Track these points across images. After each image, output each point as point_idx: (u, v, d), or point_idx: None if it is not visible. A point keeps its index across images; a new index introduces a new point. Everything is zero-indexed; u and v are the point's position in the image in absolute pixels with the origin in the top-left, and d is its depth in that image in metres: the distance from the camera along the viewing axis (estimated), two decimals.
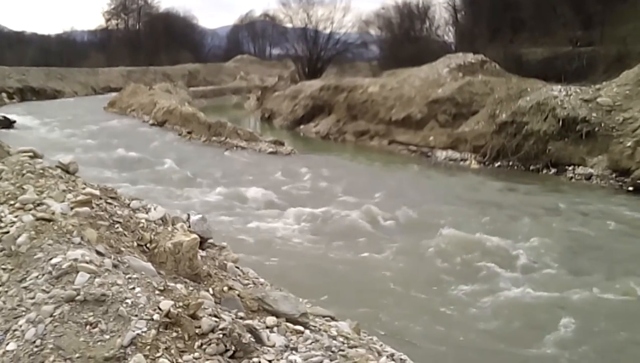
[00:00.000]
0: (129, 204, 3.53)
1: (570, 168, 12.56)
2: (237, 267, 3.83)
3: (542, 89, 14.75)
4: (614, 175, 11.72)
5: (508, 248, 7.32)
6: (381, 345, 3.46)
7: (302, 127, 21.69)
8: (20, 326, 2.08)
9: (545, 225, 8.72)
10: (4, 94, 31.78)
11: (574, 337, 5.14)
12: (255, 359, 2.26)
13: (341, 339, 3.08)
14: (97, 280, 2.29)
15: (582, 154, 12.54)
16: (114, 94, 32.05)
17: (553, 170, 12.86)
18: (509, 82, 16.39)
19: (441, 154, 15.49)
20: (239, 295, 3.13)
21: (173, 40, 53.26)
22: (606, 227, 8.69)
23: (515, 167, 13.57)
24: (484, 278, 6.50)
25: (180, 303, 2.33)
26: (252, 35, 64.20)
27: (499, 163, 13.98)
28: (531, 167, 13.28)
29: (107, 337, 2.07)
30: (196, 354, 2.14)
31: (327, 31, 33.75)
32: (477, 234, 7.76)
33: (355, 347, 3.02)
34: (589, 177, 12.08)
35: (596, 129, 12.49)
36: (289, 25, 36.71)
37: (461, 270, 6.72)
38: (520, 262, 6.91)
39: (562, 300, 5.91)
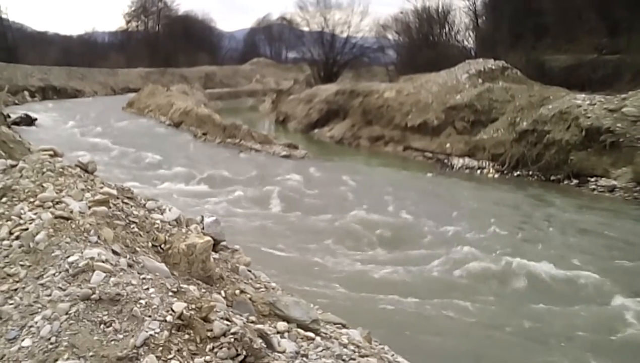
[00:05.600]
0: (144, 204, 3.56)
1: (593, 179, 12.22)
2: (249, 271, 3.82)
3: (565, 97, 14.46)
4: (638, 188, 11.40)
5: (531, 268, 6.98)
6: (393, 355, 3.41)
7: (316, 131, 21.72)
8: (36, 322, 2.10)
9: (571, 242, 8.38)
10: (26, 92, 32.58)
11: None
12: None
13: (352, 347, 3.04)
14: (112, 279, 2.30)
15: (605, 165, 12.19)
16: (132, 95, 32.61)
17: (575, 181, 12.53)
18: (531, 89, 16.13)
19: (458, 162, 15.31)
20: (250, 299, 3.12)
21: (191, 42, 54.08)
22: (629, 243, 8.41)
23: (535, 177, 13.29)
24: (498, 294, 6.37)
25: (193, 306, 2.32)
26: (269, 39, 64.73)
27: (518, 172, 13.72)
28: (552, 178, 12.98)
29: (121, 336, 2.07)
30: (207, 357, 2.13)
31: (344, 35, 33.85)
32: (496, 251, 7.55)
33: (367, 356, 2.98)
34: (612, 190, 11.73)
35: (621, 139, 12.13)
36: (306, 28, 36.94)
37: (476, 285, 6.59)
38: (542, 282, 6.68)
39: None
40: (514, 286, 6.50)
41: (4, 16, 41.60)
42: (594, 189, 12.05)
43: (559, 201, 11.16)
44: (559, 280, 6.67)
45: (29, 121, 19.78)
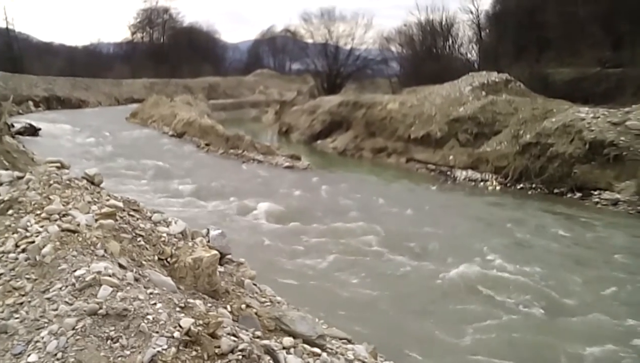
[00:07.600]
0: (150, 217, 3.54)
1: (596, 193, 12.12)
2: (255, 284, 3.79)
3: (568, 110, 14.42)
4: None
5: (533, 284, 6.91)
6: None
7: (319, 142, 21.77)
8: (43, 338, 2.08)
9: (574, 257, 8.26)
10: (30, 102, 32.81)
11: None
12: None
13: None
14: (119, 294, 2.28)
15: (608, 179, 12.11)
16: (136, 105, 32.78)
17: (578, 195, 12.43)
18: (534, 102, 16.13)
19: (461, 174, 15.27)
20: (256, 314, 3.09)
21: (195, 53, 54.53)
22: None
23: (539, 190, 13.20)
24: (490, 309, 6.30)
25: (200, 321, 2.30)
26: (273, 50, 65.23)
27: (521, 185, 13.66)
28: (555, 191, 12.89)
29: (128, 352, 2.05)
30: None
31: (348, 47, 34.15)
32: (499, 267, 7.44)
33: None
34: (615, 203, 11.63)
35: (624, 153, 12.06)
36: (310, 40, 37.24)
37: (474, 300, 6.52)
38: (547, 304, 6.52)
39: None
40: (516, 302, 6.43)
41: (10, 27, 42.17)
42: (597, 202, 11.96)
43: (563, 214, 11.08)
44: (564, 298, 6.61)
45: (32, 131, 19.85)
